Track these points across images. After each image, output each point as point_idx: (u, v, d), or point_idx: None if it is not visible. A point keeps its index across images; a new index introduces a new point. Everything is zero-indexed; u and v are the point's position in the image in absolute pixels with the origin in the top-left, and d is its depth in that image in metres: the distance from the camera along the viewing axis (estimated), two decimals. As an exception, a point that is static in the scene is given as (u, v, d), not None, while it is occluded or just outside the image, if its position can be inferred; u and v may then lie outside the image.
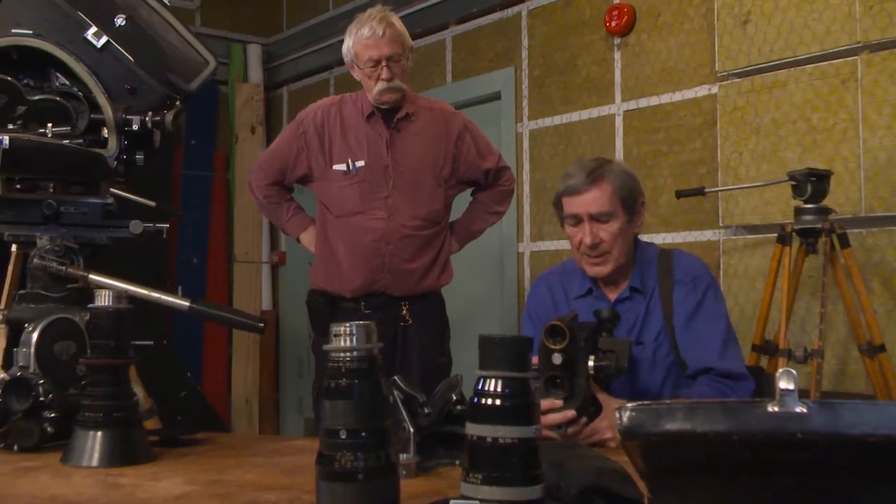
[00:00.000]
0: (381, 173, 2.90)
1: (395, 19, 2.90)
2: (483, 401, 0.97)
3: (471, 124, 3.11)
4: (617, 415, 0.84)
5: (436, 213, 2.97)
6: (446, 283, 3.05)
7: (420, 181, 2.94)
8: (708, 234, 3.45)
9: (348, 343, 1.03)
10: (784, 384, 0.80)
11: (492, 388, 0.97)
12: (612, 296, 2.17)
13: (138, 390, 1.73)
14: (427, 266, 2.95)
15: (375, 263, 2.88)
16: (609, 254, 2.10)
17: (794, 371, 0.80)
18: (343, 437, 1.01)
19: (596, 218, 2.09)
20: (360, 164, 2.90)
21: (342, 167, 2.92)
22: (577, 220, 2.12)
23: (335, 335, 1.03)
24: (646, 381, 2.08)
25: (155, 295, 1.86)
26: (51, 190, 2.03)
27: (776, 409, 0.79)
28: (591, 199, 2.09)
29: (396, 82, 2.85)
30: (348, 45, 2.91)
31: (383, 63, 2.82)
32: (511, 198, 3.24)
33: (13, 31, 2.05)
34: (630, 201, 2.13)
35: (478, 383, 0.98)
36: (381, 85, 2.84)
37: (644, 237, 2.31)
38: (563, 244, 3.98)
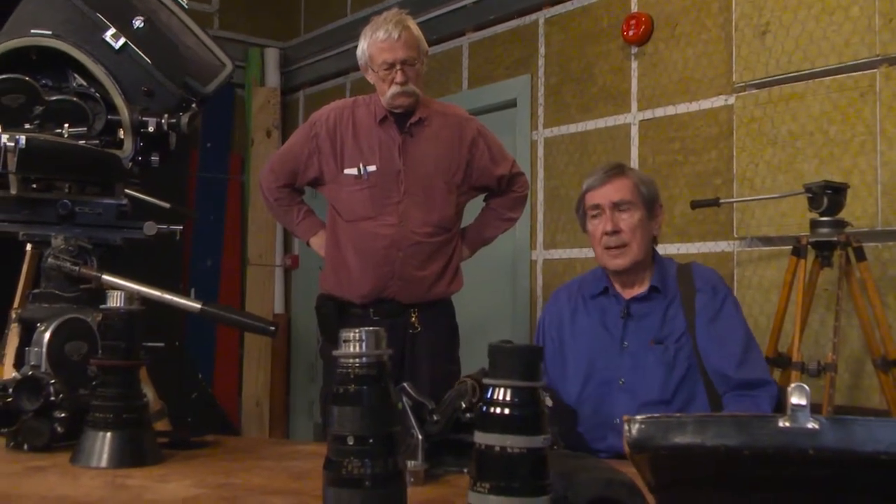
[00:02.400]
0: (393, 178, 2.88)
1: (411, 23, 2.89)
2: (492, 409, 0.96)
3: (484, 130, 3.09)
4: (626, 427, 0.84)
5: (447, 219, 2.95)
6: (456, 290, 3.03)
7: (432, 187, 2.92)
8: (722, 245, 3.43)
9: (357, 349, 1.03)
10: (796, 399, 0.79)
11: (501, 397, 0.96)
12: (628, 295, 2.21)
13: (149, 392, 1.73)
14: (438, 273, 2.93)
15: (385, 270, 2.87)
16: (628, 246, 2.19)
17: (806, 387, 0.79)
18: (351, 443, 1.01)
19: (617, 206, 2.20)
20: (372, 168, 2.88)
21: (353, 171, 2.89)
22: (599, 210, 2.23)
23: (345, 341, 1.03)
24: (663, 381, 2.10)
25: (167, 297, 1.86)
26: (66, 190, 2.04)
27: (788, 424, 0.79)
28: (613, 189, 2.22)
29: (410, 86, 2.83)
30: (363, 47, 2.90)
31: (398, 67, 2.81)
32: (524, 204, 3.22)
33: (32, 31, 2.06)
34: (649, 199, 2.24)
35: (487, 392, 0.98)
36: (394, 89, 2.82)
37: (658, 247, 2.33)
38: (577, 252, 3.97)
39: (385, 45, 2.82)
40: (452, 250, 2.98)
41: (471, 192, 3.06)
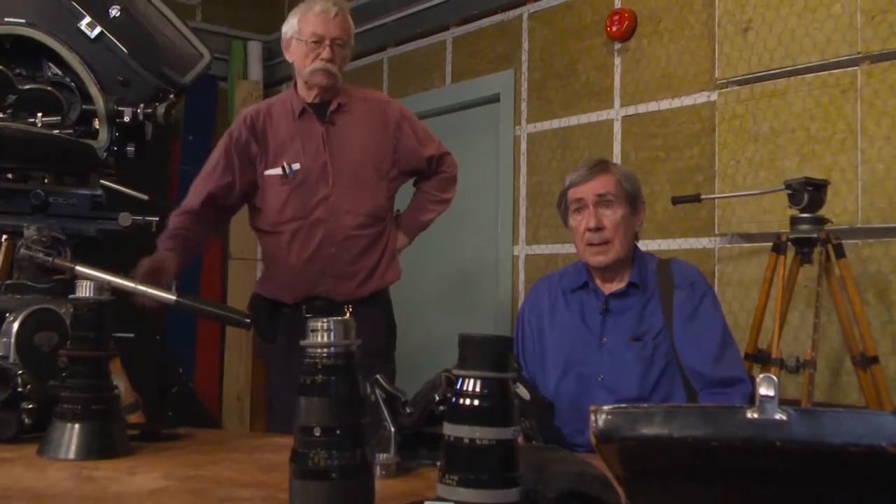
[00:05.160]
0: (320, 172, 2.78)
1: (348, 12, 2.84)
2: (461, 401, 0.95)
3: (408, 112, 3.00)
4: (593, 418, 0.83)
5: (379, 208, 2.85)
6: (392, 280, 2.92)
7: (361, 176, 2.82)
8: (703, 242, 3.43)
9: (326, 339, 1.01)
10: (764, 390, 0.78)
11: (470, 389, 0.95)
12: (608, 290, 2.21)
13: (121, 383, 1.71)
14: (371, 267, 2.83)
15: (317, 268, 2.77)
16: (611, 243, 2.18)
17: (774, 377, 0.78)
18: (318, 434, 0.99)
19: (600, 201, 2.20)
20: (297, 166, 2.78)
21: (277, 171, 2.79)
22: (582, 205, 2.21)
23: (312, 331, 1.02)
24: (641, 378, 2.10)
25: (142, 288, 1.85)
26: (41, 180, 2.01)
27: (756, 415, 0.78)
28: (597, 184, 2.21)
29: (333, 67, 2.76)
30: (292, 22, 2.82)
31: (327, 42, 2.75)
32: (455, 184, 3.09)
33: (6, 19, 2.03)
34: (631, 195, 2.24)
35: (456, 383, 0.97)
36: (318, 64, 2.75)
37: (640, 243, 2.33)
38: (559, 248, 3.97)
39: (320, 18, 2.76)
40: (386, 241, 2.89)
41: (401, 176, 2.96)
